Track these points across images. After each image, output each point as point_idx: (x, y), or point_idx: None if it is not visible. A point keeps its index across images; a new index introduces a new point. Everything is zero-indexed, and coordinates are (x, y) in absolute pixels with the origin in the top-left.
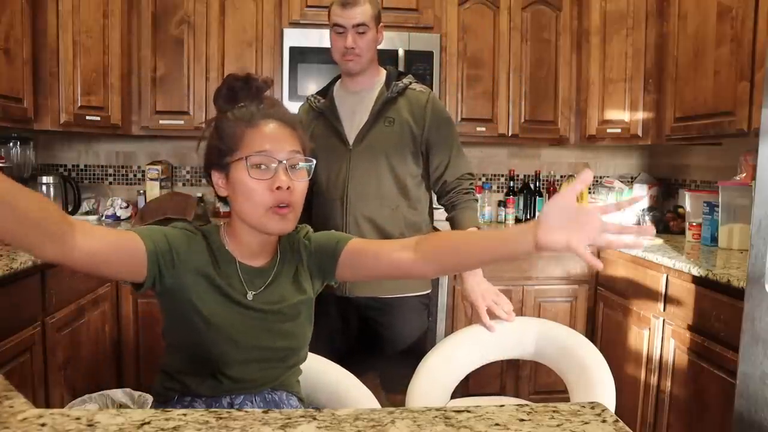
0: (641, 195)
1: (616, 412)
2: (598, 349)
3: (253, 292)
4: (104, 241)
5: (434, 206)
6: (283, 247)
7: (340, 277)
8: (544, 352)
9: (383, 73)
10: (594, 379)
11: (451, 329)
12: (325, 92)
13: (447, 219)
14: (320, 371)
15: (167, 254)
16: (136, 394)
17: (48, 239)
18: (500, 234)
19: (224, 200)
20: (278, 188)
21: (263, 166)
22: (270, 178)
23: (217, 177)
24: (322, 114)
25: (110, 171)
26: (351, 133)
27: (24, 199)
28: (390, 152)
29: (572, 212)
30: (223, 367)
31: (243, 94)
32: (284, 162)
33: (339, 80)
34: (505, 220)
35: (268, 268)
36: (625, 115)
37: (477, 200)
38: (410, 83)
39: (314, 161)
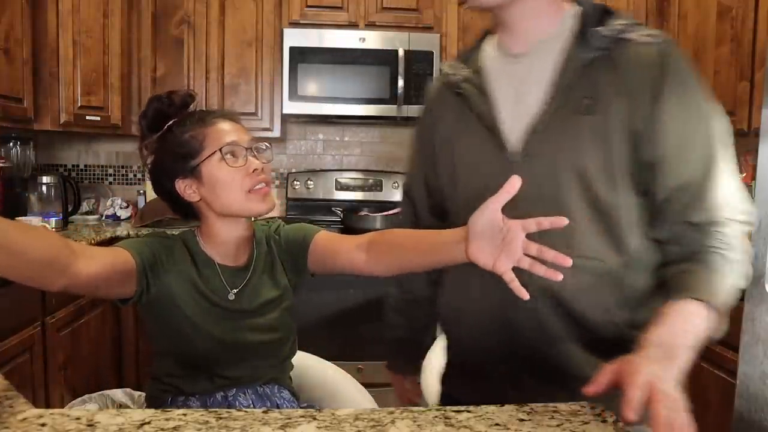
0: (561, 221)
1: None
2: None
3: (235, 290)
4: (102, 262)
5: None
6: (258, 242)
7: (311, 270)
8: None
9: (569, 11)
10: None
11: None
12: (469, 57)
13: (659, 278)
14: (315, 369)
15: (153, 266)
16: (136, 394)
17: (57, 274)
18: (439, 240)
19: (184, 212)
20: (254, 171)
21: (234, 156)
22: (244, 165)
23: (183, 185)
24: (462, 94)
25: (110, 171)
26: (512, 130)
27: (31, 241)
28: (589, 166)
29: (497, 228)
30: (214, 367)
31: (171, 110)
32: (252, 148)
33: (489, 37)
34: None
35: (246, 266)
36: None
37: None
38: (625, 27)
39: (270, 144)
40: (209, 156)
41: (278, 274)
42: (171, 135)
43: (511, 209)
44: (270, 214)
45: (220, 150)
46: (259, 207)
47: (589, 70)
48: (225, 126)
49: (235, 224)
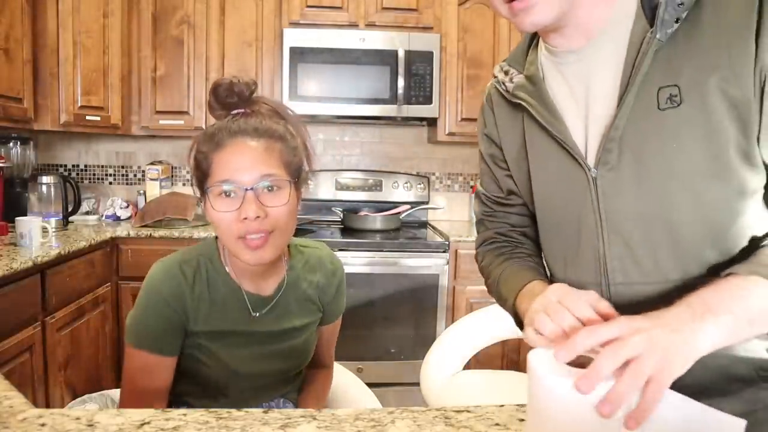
0: None
1: None
2: None
3: (257, 314)
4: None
5: None
6: (292, 272)
7: None
8: None
9: None
10: None
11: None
12: (520, 60)
13: None
14: None
15: (180, 336)
16: None
17: None
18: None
19: None
20: (245, 219)
21: (232, 194)
22: (237, 208)
23: (202, 202)
24: (520, 104)
25: (110, 171)
26: (586, 140)
27: None
28: (684, 167)
29: None
30: (225, 391)
31: (230, 101)
32: (251, 189)
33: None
34: None
35: (273, 294)
36: None
37: None
38: None
39: (302, 178)
40: (209, 187)
41: (313, 305)
42: (197, 143)
43: (607, 239)
44: None
45: (209, 189)
46: (247, 258)
47: (665, 52)
48: (236, 153)
49: None
